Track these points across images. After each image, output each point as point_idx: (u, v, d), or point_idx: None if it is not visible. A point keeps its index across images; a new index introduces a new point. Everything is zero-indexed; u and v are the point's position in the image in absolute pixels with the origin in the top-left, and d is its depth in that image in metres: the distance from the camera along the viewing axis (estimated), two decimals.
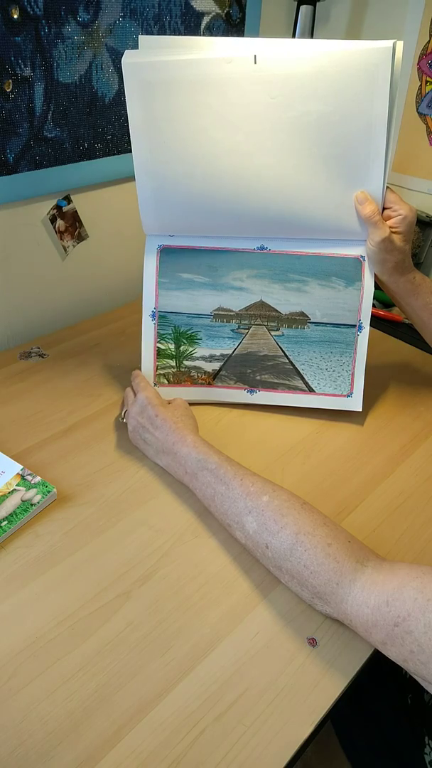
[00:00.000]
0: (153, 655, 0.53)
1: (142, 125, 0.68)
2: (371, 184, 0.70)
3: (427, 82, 1.11)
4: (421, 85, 1.11)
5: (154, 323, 0.78)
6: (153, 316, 0.78)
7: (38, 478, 0.68)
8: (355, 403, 0.79)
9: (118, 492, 0.69)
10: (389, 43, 0.63)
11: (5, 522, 0.62)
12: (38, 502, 0.65)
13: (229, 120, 0.67)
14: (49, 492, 0.66)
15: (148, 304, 0.78)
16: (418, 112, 1.14)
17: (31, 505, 0.65)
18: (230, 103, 0.66)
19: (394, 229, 0.70)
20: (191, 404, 0.77)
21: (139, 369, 0.79)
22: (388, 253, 0.71)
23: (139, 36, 0.66)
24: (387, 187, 0.71)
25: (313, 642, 0.54)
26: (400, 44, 0.64)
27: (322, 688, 0.51)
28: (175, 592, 0.58)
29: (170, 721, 0.48)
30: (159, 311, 0.78)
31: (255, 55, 0.64)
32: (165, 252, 0.76)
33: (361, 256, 0.75)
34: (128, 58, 0.65)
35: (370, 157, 0.68)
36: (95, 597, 0.57)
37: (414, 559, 0.63)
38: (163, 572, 0.60)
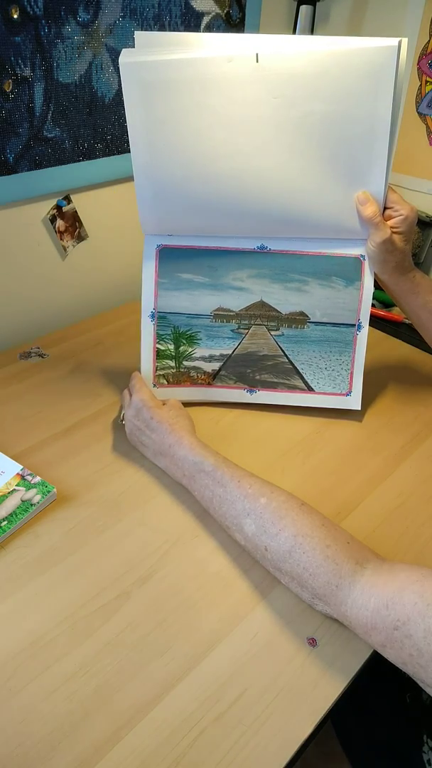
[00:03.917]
0: (153, 655, 0.53)
1: (141, 125, 0.67)
2: (373, 184, 0.69)
3: (427, 82, 1.11)
4: (421, 85, 1.12)
5: (153, 324, 0.78)
6: (152, 316, 0.78)
7: (38, 478, 0.68)
8: (354, 402, 0.79)
9: (117, 492, 0.69)
10: (394, 41, 0.62)
11: (5, 522, 0.62)
12: (38, 502, 0.65)
13: (230, 120, 0.66)
14: (48, 492, 0.66)
15: (147, 304, 0.78)
16: (418, 112, 1.14)
17: (31, 505, 0.65)
18: (231, 103, 0.65)
19: (395, 230, 0.70)
20: (191, 404, 0.77)
21: (139, 370, 0.79)
22: (389, 254, 0.71)
23: (135, 32, 0.64)
24: (389, 187, 0.70)
25: (313, 642, 0.54)
26: (405, 42, 0.63)
27: (322, 688, 0.51)
28: (175, 592, 0.58)
29: (170, 721, 0.48)
30: (158, 312, 0.78)
31: (257, 54, 0.63)
32: (164, 252, 0.76)
33: (361, 256, 0.75)
34: (125, 57, 0.63)
35: (372, 158, 0.68)
36: (95, 597, 0.57)
37: (414, 559, 0.63)
38: (163, 572, 0.60)
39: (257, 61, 0.63)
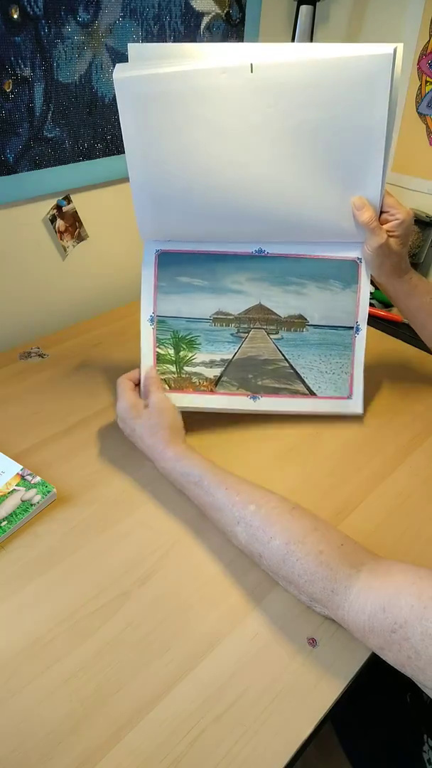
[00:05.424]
0: (153, 655, 0.53)
1: (137, 138, 0.66)
2: (369, 189, 0.70)
3: (427, 82, 1.11)
4: (421, 85, 1.11)
5: (153, 327, 0.77)
6: (151, 320, 0.77)
7: (38, 478, 0.68)
8: (355, 405, 0.79)
9: (118, 492, 0.69)
10: (390, 48, 0.62)
11: (5, 522, 0.62)
12: (38, 502, 0.65)
13: (226, 131, 0.66)
14: (48, 492, 0.66)
15: (147, 308, 0.77)
16: (418, 112, 1.14)
17: (31, 505, 0.65)
18: (227, 114, 0.65)
19: (391, 233, 0.71)
20: (194, 413, 0.75)
21: (139, 373, 0.78)
22: (386, 257, 0.72)
23: (129, 44, 0.64)
24: (385, 191, 0.71)
25: (313, 642, 0.54)
26: (400, 48, 0.62)
27: (322, 688, 0.51)
28: (175, 592, 0.58)
29: (170, 721, 0.48)
30: (157, 316, 0.77)
31: (251, 64, 0.63)
32: (163, 256, 0.76)
33: (358, 259, 0.75)
34: (119, 72, 0.63)
35: (368, 164, 0.68)
36: (95, 597, 0.57)
37: (414, 559, 0.63)
38: (163, 572, 0.60)
39: (251, 72, 0.63)
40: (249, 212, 0.71)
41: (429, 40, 1.08)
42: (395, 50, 0.62)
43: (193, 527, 0.65)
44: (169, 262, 0.76)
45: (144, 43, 0.72)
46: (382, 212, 0.71)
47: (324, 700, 0.50)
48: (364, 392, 0.79)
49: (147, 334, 0.78)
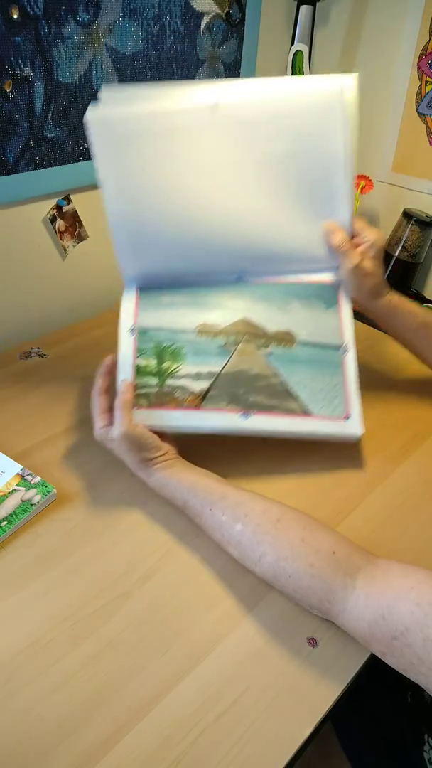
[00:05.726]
0: (153, 655, 0.53)
1: (113, 177, 0.68)
2: (338, 215, 0.72)
3: (427, 82, 1.10)
4: (421, 85, 1.11)
5: (133, 338, 0.73)
6: (132, 331, 0.73)
7: (38, 478, 0.68)
8: (353, 426, 0.71)
9: (117, 492, 0.69)
10: (339, 84, 0.66)
11: (5, 522, 0.62)
12: (38, 502, 0.65)
13: (198, 167, 0.69)
14: (48, 492, 0.66)
15: (126, 321, 0.74)
16: (418, 112, 1.13)
17: (31, 505, 0.65)
18: (197, 152, 0.68)
19: (363, 255, 0.72)
20: (174, 434, 0.70)
21: (117, 388, 0.71)
22: (363, 278, 0.73)
23: (103, 87, 0.68)
24: (354, 217, 0.73)
25: (313, 642, 0.54)
26: (354, 79, 0.66)
27: (322, 688, 0.51)
28: (176, 592, 0.58)
29: (170, 721, 0.48)
30: (138, 326, 0.73)
31: (216, 103, 0.66)
32: (143, 288, 0.76)
33: (336, 282, 0.76)
34: (93, 112, 0.65)
35: (333, 191, 0.71)
36: (95, 597, 0.57)
37: (414, 559, 0.62)
38: (164, 572, 0.60)
39: (217, 110, 0.66)
40: (226, 246, 0.73)
41: (429, 40, 1.07)
42: (344, 87, 0.66)
43: (193, 527, 0.65)
44: (151, 287, 0.76)
45: (116, 86, 0.77)
46: (353, 236, 0.74)
47: (324, 700, 0.50)
48: (363, 392, 0.78)
49: (126, 345, 0.72)
